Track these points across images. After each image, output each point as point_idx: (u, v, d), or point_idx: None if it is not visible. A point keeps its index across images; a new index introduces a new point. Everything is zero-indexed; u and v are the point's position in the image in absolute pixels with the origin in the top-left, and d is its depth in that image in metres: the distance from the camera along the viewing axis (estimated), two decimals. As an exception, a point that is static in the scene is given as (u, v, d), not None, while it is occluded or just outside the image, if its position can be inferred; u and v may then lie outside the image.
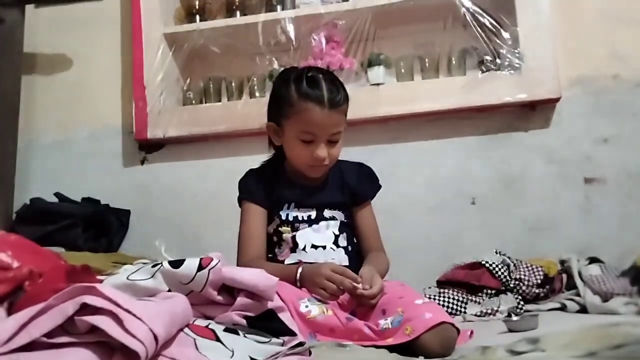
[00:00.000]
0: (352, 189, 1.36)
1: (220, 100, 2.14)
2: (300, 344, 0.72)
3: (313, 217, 1.30)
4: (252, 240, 1.29)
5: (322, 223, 1.30)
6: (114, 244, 2.07)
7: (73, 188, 2.11)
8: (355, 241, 1.36)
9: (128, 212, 2.13)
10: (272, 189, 1.32)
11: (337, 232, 1.31)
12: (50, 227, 1.92)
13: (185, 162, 2.15)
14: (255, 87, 2.08)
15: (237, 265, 1.27)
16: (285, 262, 1.28)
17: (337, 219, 1.32)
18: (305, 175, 1.32)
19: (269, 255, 1.32)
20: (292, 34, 2.02)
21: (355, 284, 1.10)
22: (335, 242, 1.30)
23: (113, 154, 2.20)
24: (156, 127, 2.08)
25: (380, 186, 1.42)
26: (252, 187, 1.33)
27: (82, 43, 2.26)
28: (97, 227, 2.03)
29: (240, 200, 1.36)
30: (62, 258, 0.95)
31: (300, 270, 1.17)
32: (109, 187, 2.15)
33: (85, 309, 0.58)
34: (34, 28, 2.22)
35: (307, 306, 1.08)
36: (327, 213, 1.32)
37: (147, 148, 2.18)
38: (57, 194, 2.08)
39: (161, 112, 2.08)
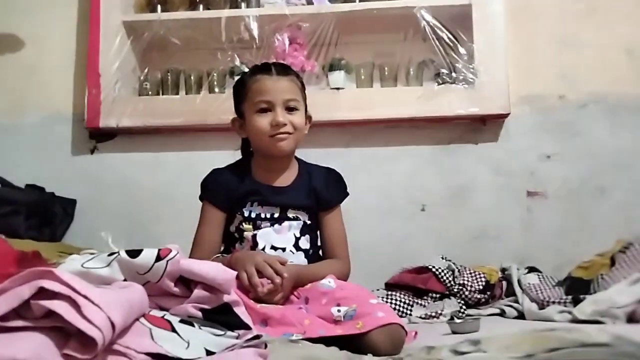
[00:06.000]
0: (319, 193, 1.34)
1: (177, 93, 2.11)
2: (257, 337, 0.73)
3: (276, 216, 1.29)
4: (201, 246, 1.30)
5: (285, 223, 1.29)
6: (57, 234, 2.00)
7: (17, 174, 2.02)
8: (318, 245, 1.36)
9: (74, 201, 2.07)
10: (236, 188, 1.31)
11: (298, 235, 1.30)
12: (-10, 213, 1.84)
13: (138, 153, 2.11)
14: (215, 83, 2.07)
15: None
16: None
17: (300, 219, 1.31)
18: (271, 176, 1.32)
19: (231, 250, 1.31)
20: (255, 32, 2.02)
21: (274, 280, 1.12)
22: (296, 245, 1.29)
23: (62, 141, 2.13)
24: (109, 116, 2.03)
25: (347, 194, 1.41)
26: (213, 188, 1.32)
27: (36, 25, 2.18)
28: (41, 216, 1.95)
29: (201, 199, 1.35)
30: (10, 244, 0.92)
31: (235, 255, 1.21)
32: (56, 175, 2.08)
33: (42, 293, 0.57)
34: (-17, 5, 2.13)
35: None
36: (290, 213, 1.31)
37: (98, 137, 2.12)
38: (-2, 179, 1.99)
39: (115, 101, 2.03)
